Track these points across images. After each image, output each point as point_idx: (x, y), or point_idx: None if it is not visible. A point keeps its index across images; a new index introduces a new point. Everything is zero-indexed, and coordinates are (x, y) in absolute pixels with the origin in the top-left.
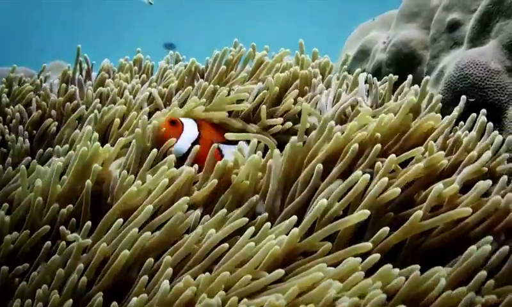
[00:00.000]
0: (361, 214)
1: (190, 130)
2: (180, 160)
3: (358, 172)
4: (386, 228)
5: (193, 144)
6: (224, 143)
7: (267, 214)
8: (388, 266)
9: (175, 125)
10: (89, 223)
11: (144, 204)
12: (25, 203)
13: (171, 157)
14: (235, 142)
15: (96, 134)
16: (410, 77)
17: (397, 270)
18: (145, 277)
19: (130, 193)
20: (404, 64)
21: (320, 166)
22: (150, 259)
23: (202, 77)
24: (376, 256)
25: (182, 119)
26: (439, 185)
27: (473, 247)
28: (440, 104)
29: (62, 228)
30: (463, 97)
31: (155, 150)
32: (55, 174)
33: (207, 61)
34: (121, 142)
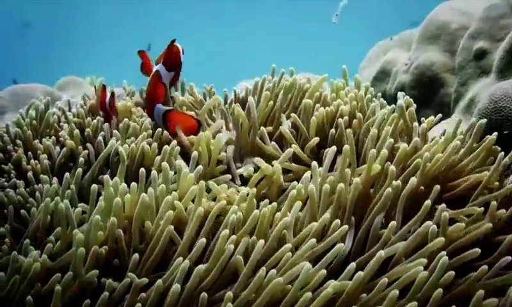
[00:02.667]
0: (418, 263)
1: None
2: None
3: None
4: None
5: None
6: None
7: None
8: None
9: None
10: (136, 256)
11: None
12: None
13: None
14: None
15: (123, 185)
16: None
17: None
18: None
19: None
20: (428, 86)
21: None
22: (204, 295)
23: (242, 104)
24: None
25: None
26: None
27: None
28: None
29: (109, 281)
30: None
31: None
32: (93, 228)
33: (246, 89)
34: (141, 192)
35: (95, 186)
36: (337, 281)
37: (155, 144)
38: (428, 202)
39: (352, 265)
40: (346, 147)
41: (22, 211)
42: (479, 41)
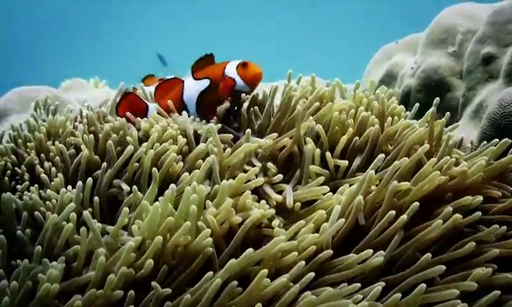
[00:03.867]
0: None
1: None
2: None
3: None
4: None
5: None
6: None
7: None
8: None
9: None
10: (165, 267)
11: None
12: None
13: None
14: None
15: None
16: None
17: None
18: None
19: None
20: (434, 90)
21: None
22: None
23: (259, 106)
24: None
25: None
26: None
27: None
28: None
29: (130, 292)
30: None
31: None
32: (126, 252)
33: (263, 92)
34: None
35: (126, 210)
36: (365, 300)
37: (180, 164)
38: (472, 244)
39: (378, 288)
40: (396, 164)
41: (36, 213)
42: (486, 46)
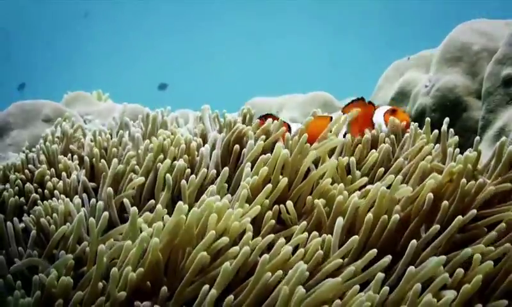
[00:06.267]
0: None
1: None
2: None
3: None
4: None
5: None
6: None
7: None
8: None
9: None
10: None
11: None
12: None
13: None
14: None
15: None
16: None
17: None
18: None
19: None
20: (450, 110)
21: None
22: None
23: None
24: None
25: None
26: None
27: None
28: None
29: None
30: None
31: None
32: (137, 249)
33: None
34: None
35: (139, 220)
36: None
37: (188, 170)
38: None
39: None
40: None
41: (42, 220)
42: (507, 67)
